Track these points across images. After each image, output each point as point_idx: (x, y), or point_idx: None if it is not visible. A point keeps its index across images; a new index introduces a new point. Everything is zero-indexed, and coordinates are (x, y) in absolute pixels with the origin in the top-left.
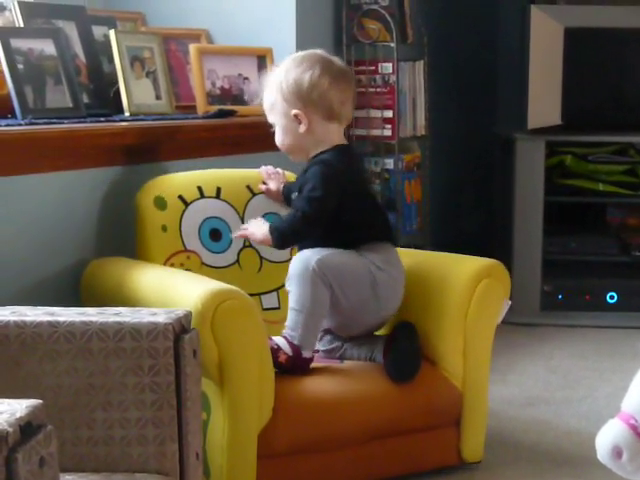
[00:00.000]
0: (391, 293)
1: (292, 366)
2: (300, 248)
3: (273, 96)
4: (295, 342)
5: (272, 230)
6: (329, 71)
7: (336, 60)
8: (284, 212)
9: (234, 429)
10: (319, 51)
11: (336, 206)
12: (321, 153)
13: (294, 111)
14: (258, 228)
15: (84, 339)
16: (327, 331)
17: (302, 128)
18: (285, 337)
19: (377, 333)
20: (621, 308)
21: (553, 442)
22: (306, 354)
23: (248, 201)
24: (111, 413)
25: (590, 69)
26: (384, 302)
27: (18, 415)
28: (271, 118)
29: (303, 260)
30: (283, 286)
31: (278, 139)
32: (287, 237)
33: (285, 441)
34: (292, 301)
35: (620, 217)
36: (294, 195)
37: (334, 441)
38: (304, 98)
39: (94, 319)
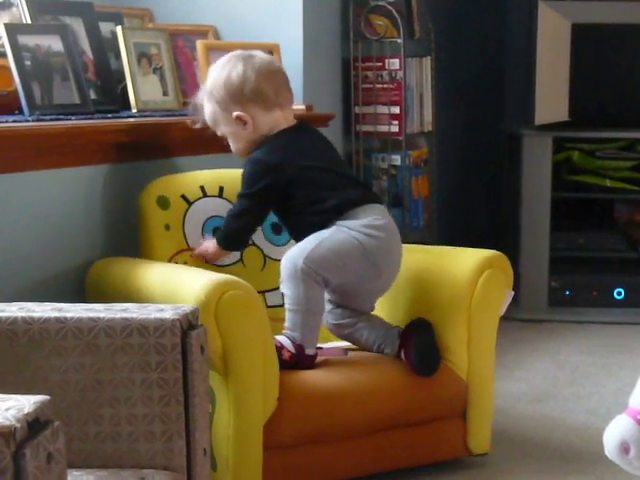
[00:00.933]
0: (385, 256)
1: (296, 364)
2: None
3: (210, 108)
4: (297, 342)
5: (217, 238)
6: (252, 64)
7: (256, 52)
8: None
9: (239, 420)
10: (237, 51)
11: (284, 194)
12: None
13: (235, 113)
14: (209, 242)
15: (91, 335)
16: (337, 304)
17: (249, 128)
18: (287, 336)
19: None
20: (628, 304)
21: (561, 438)
22: (309, 351)
23: None
24: (118, 409)
25: (597, 65)
26: (382, 266)
27: (26, 411)
28: (219, 131)
29: (291, 260)
30: None
31: (234, 148)
32: (227, 237)
33: (291, 432)
34: (287, 302)
35: (627, 213)
36: None
37: (340, 432)
38: (238, 97)
39: (101, 315)
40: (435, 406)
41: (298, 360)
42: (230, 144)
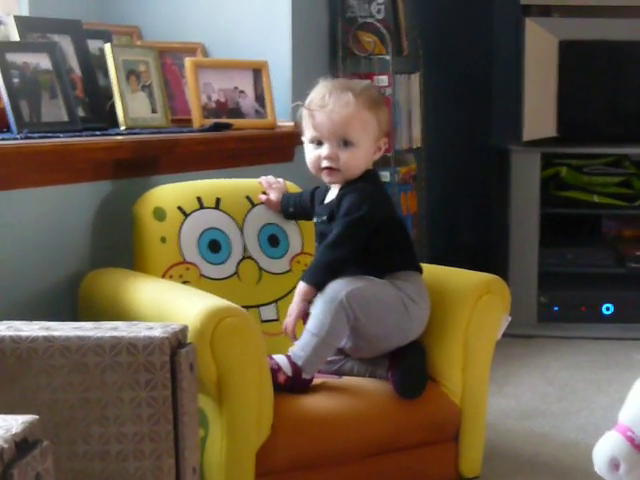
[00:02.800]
0: (419, 325)
1: (291, 387)
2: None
3: (368, 117)
4: (298, 363)
5: (302, 278)
6: None
7: None
8: (283, 223)
9: (232, 446)
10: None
11: (372, 231)
12: (355, 180)
13: (384, 140)
14: (292, 304)
15: (80, 354)
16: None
17: (376, 156)
18: (288, 356)
19: None
20: (617, 319)
21: (551, 454)
22: (306, 375)
23: (248, 212)
24: (107, 428)
25: (585, 81)
26: (410, 333)
27: (14, 431)
28: (351, 137)
29: (334, 289)
30: (282, 298)
31: (355, 160)
32: (322, 268)
33: (284, 458)
34: (311, 323)
35: (615, 229)
36: (320, 219)
37: (333, 457)
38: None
39: (90, 334)
40: (428, 430)
41: (294, 384)
42: (353, 155)
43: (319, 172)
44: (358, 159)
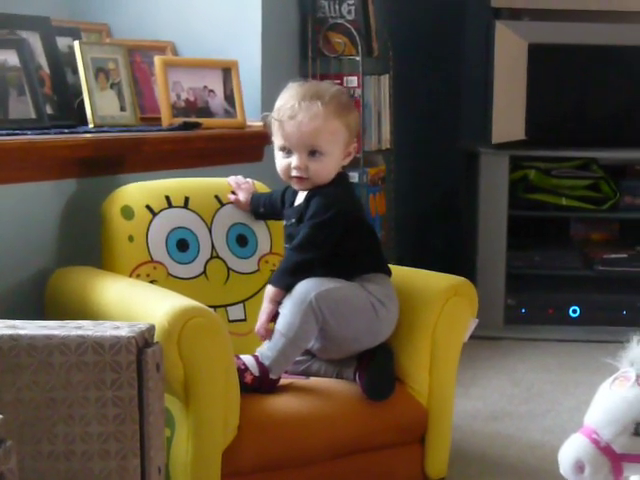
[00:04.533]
0: (387, 328)
1: (258, 387)
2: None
3: (336, 127)
4: (266, 363)
5: (270, 281)
6: None
7: None
8: (252, 223)
9: (198, 447)
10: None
11: (340, 234)
12: (322, 186)
13: (353, 145)
14: (262, 308)
15: (45, 353)
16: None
17: (346, 161)
18: (256, 356)
19: None
20: (584, 322)
21: (517, 456)
22: (273, 376)
23: (216, 211)
24: (73, 427)
25: (554, 85)
26: (379, 336)
27: None
28: (318, 147)
29: (304, 290)
30: (250, 298)
31: (325, 169)
32: (289, 270)
33: (250, 459)
34: (280, 323)
35: (583, 232)
36: (289, 221)
37: (299, 459)
38: (356, 134)
39: (56, 332)
40: (394, 432)
41: (260, 384)
42: (322, 164)
43: (289, 179)
44: (328, 168)
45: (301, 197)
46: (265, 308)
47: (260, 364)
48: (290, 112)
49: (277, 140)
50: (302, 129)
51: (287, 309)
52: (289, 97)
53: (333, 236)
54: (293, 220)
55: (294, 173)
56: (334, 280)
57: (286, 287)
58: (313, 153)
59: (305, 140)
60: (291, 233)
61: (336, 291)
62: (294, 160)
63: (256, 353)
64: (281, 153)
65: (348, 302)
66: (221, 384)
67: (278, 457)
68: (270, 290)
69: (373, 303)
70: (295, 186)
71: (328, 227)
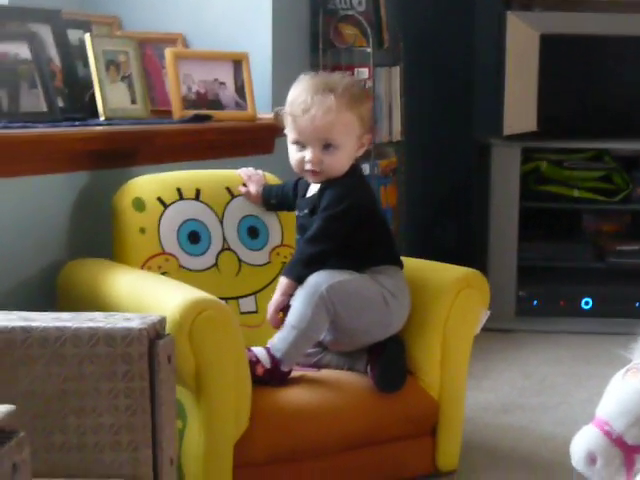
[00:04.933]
0: (398, 320)
1: (269, 379)
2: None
3: (349, 118)
4: (277, 355)
5: (284, 272)
6: None
7: None
8: (263, 215)
9: (210, 438)
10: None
11: (353, 225)
12: (335, 177)
13: (367, 136)
14: (273, 299)
15: (58, 344)
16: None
17: (360, 152)
18: (268, 348)
19: None
20: (596, 314)
21: (529, 448)
22: (284, 368)
23: (227, 203)
24: (84, 419)
25: (565, 76)
26: (390, 328)
27: None
28: (332, 140)
29: (316, 282)
30: (261, 290)
31: (339, 162)
32: (303, 262)
33: (262, 451)
34: (291, 315)
35: (595, 223)
36: (301, 212)
37: (311, 451)
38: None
39: (68, 324)
40: (405, 424)
41: (272, 376)
42: (336, 157)
43: (303, 173)
44: (341, 160)
45: (314, 188)
46: (275, 300)
47: (272, 356)
48: (303, 106)
49: (290, 134)
50: (316, 123)
51: (299, 301)
52: (301, 90)
53: (346, 228)
54: (306, 211)
55: (308, 167)
56: (346, 272)
57: (299, 279)
58: (327, 147)
59: (319, 134)
60: (303, 224)
61: (348, 283)
62: (308, 154)
63: (268, 345)
64: (295, 147)
65: (359, 294)
66: (232, 376)
67: (289, 449)
68: (283, 282)
69: (384, 295)
70: (309, 179)
71: (342, 219)
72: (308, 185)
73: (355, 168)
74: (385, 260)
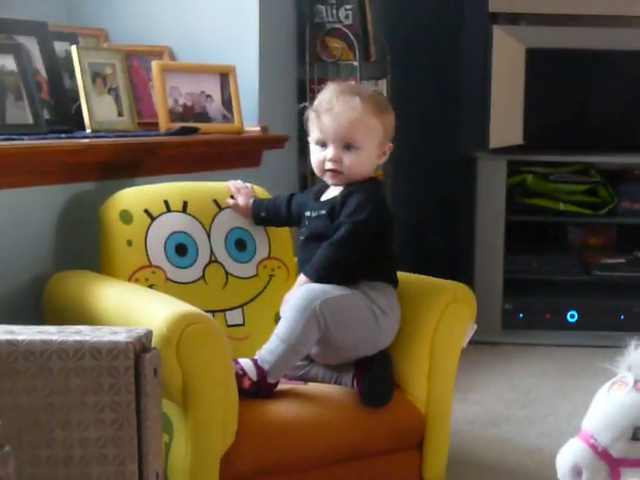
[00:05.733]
0: (387, 337)
1: (256, 391)
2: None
3: (375, 123)
4: (265, 367)
5: (306, 273)
6: None
7: None
8: (251, 227)
9: (197, 452)
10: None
11: (376, 233)
12: (359, 182)
13: (389, 144)
14: (289, 293)
15: (44, 358)
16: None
17: (380, 160)
18: (255, 360)
19: None
20: (581, 327)
21: (515, 461)
22: (271, 380)
23: (215, 216)
24: (70, 432)
25: (551, 90)
26: (378, 344)
27: None
28: (355, 143)
29: (309, 296)
30: (248, 302)
31: (359, 164)
32: (329, 265)
33: (248, 464)
34: (280, 329)
35: (581, 236)
36: (316, 213)
37: (298, 464)
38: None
39: (54, 337)
40: (392, 438)
41: (258, 389)
42: (357, 159)
43: (323, 173)
44: (362, 163)
45: (332, 192)
46: (293, 294)
47: (259, 368)
48: (328, 105)
49: (313, 133)
50: (339, 120)
51: (289, 314)
52: (327, 92)
53: (371, 235)
54: (323, 212)
55: (328, 166)
56: (338, 287)
57: (323, 282)
58: (348, 147)
59: (341, 131)
60: (318, 225)
61: (341, 299)
62: (329, 152)
63: (255, 356)
64: (317, 147)
65: (351, 311)
66: (220, 390)
67: (276, 463)
68: (304, 281)
69: (375, 312)
70: (329, 180)
71: (369, 224)
72: (324, 189)
73: (376, 180)
74: (383, 277)
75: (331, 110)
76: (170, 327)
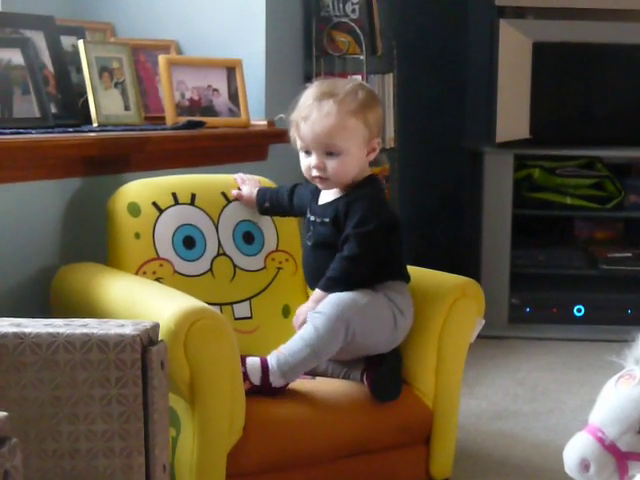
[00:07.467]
0: (402, 335)
1: (258, 393)
2: None
3: (355, 124)
4: (284, 368)
5: (324, 287)
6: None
7: None
8: (259, 220)
9: (204, 447)
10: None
11: (383, 241)
12: (360, 185)
13: (377, 140)
14: (303, 306)
15: (50, 350)
16: None
17: (370, 157)
18: (264, 361)
19: None
20: (588, 321)
21: (521, 455)
22: (286, 381)
23: (223, 208)
24: (77, 425)
25: (558, 83)
26: (393, 344)
27: None
28: (338, 148)
29: (341, 307)
30: (256, 295)
31: (344, 168)
32: (345, 281)
33: (255, 460)
34: (307, 332)
35: (587, 230)
36: (320, 219)
37: (305, 459)
38: (381, 129)
39: (61, 330)
40: (400, 433)
41: (259, 392)
42: (341, 164)
43: (312, 180)
44: (346, 166)
45: (329, 195)
46: (308, 309)
47: (266, 371)
48: (305, 112)
49: (297, 141)
50: (315, 129)
51: (320, 320)
52: (306, 97)
53: (380, 244)
54: (327, 220)
55: (314, 173)
56: (363, 293)
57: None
58: (330, 153)
59: (319, 140)
60: (322, 232)
61: (369, 307)
62: (312, 160)
63: (273, 355)
64: (303, 154)
65: (376, 318)
66: (227, 385)
67: (283, 458)
68: (319, 295)
69: (395, 314)
70: (319, 186)
71: (377, 235)
72: (319, 190)
73: (375, 180)
74: (396, 275)
75: (307, 119)
76: (178, 323)
